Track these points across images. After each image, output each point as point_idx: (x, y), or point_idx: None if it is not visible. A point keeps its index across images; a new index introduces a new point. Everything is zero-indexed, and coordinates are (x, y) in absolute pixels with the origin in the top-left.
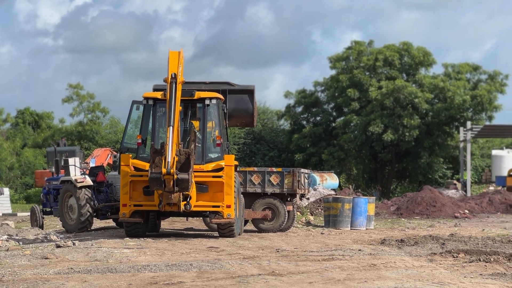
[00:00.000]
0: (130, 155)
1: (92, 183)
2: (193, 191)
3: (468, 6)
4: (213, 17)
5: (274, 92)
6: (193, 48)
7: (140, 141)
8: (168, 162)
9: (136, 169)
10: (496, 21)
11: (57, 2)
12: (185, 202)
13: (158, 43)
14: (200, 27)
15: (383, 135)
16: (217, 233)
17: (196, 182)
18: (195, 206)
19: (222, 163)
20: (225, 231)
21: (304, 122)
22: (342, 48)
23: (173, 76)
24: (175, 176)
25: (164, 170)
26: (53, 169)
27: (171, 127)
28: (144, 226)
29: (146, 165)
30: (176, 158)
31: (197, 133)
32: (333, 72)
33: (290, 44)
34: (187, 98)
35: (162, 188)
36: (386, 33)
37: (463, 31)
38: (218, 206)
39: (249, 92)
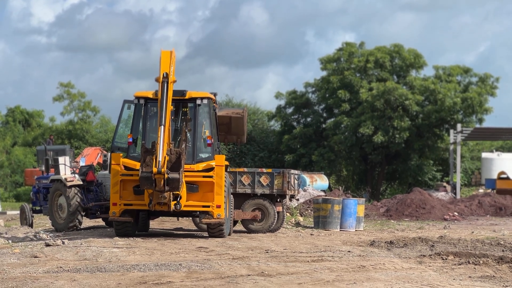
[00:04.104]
0: (121, 154)
1: (82, 182)
2: (183, 191)
3: (463, 8)
4: (208, 17)
5: (267, 92)
6: (186, 48)
7: (130, 140)
8: (159, 161)
9: (126, 168)
10: (490, 23)
11: (51, 0)
12: (175, 202)
13: (151, 42)
14: (194, 27)
15: (374, 137)
16: (207, 233)
17: (187, 182)
18: (185, 206)
19: (213, 163)
20: (215, 231)
21: (295, 123)
22: (334, 49)
23: (164, 76)
24: (166, 176)
25: (155, 170)
26: (43, 168)
27: (162, 127)
28: (134, 225)
29: (137, 165)
30: (167, 158)
31: (188, 133)
32: (324, 73)
33: (283, 45)
34: (178, 97)
35: (153, 187)
36: (380, 34)
37: (458, 33)
38: (208, 206)
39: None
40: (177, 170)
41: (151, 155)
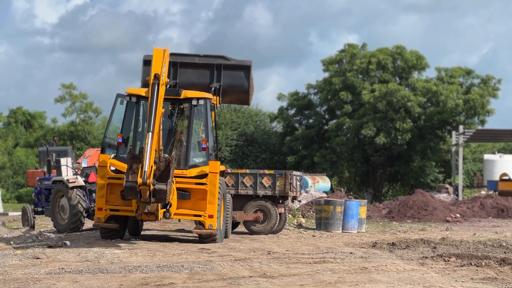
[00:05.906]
0: (109, 156)
1: (84, 184)
2: (173, 198)
3: (465, 9)
4: (211, 19)
5: (269, 94)
6: (189, 49)
7: (120, 140)
8: (144, 171)
9: (115, 170)
10: (493, 25)
11: (54, 2)
12: (165, 210)
13: (155, 43)
14: (197, 28)
15: (376, 138)
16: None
17: (178, 189)
18: (175, 214)
19: (207, 169)
20: (207, 242)
21: (297, 125)
22: (336, 50)
23: (156, 77)
24: (152, 187)
25: (139, 180)
26: (45, 169)
27: (150, 133)
28: (122, 230)
29: (125, 167)
30: (154, 167)
31: (182, 136)
32: (326, 74)
33: (286, 46)
34: (173, 97)
35: (138, 198)
36: (383, 35)
37: (460, 35)
38: (200, 216)
39: (246, 68)
40: (165, 180)
41: (138, 162)
